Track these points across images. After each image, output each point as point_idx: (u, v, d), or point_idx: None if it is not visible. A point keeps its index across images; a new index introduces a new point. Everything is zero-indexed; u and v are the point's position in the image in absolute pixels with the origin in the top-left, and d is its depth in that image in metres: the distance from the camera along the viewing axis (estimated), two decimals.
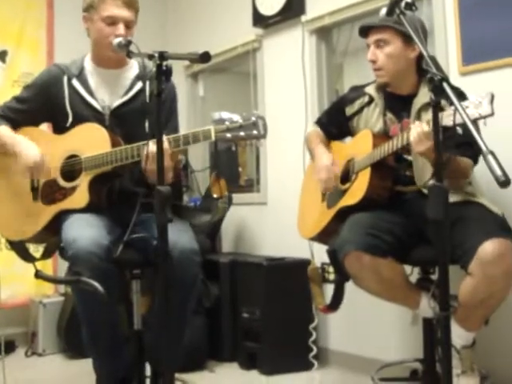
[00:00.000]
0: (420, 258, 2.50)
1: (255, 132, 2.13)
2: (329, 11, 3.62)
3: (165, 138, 2.21)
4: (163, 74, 1.99)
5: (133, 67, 2.68)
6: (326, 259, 2.60)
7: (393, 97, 2.65)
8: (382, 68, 2.59)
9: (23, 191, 2.61)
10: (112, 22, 2.50)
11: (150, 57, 2.01)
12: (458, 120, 1.79)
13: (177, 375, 2.22)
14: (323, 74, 3.81)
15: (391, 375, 2.89)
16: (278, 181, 4.01)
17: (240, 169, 4.70)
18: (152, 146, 2.14)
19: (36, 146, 2.54)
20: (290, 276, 3.53)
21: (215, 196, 3.99)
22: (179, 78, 4.59)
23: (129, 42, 2.35)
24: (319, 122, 3.01)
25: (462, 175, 2.43)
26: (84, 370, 3.24)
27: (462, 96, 2.37)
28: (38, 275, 2.49)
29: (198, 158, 4.75)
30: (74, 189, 2.49)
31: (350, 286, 2.58)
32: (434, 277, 2.57)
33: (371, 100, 2.72)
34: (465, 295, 2.27)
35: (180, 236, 2.36)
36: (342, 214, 2.61)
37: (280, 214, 3.89)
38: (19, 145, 2.56)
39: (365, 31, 2.62)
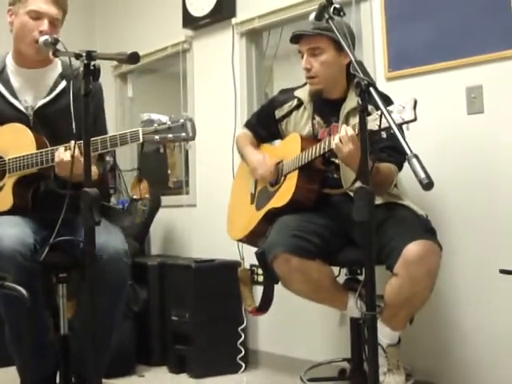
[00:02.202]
0: (347, 260, 2.54)
1: (183, 134, 2.13)
2: (259, 14, 3.64)
3: (73, 143, 2.17)
4: (91, 74, 1.95)
5: (56, 66, 2.62)
6: (256, 261, 2.61)
7: (322, 101, 2.68)
8: (316, 76, 2.60)
9: None
10: (37, 16, 2.45)
11: (78, 56, 1.97)
12: (384, 124, 1.82)
13: (104, 381, 2.19)
14: (253, 76, 3.82)
15: (320, 375, 2.92)
16: (207, 183, 4.00)
17: (169, 171, 4.67)
18: (61, 153, 2.12)
19: None
20: (219, 278, 3.51)
21: (135, 197, 3.95)
22: (107, 79, 4.53)
23: (56, 41, 2.30)
24: (248, 125, 3.02)
25: (386, 182, 2.48)
26: (9, 377, 3.15)
27: (387, 101, 2.43)
28: None
29: (127, 159, 4.70)
30: None
31: (279, 288, 2.60)
32: (361, 277, 2.62)
33: (300, 103, 2.74)
34: (390, 295, 2.33)
35: (110, 237, 2.33)
36: (271, 216, 2.63)
37: (209, 216, 3.88)
38: None
39: (297, 38, 2.63)
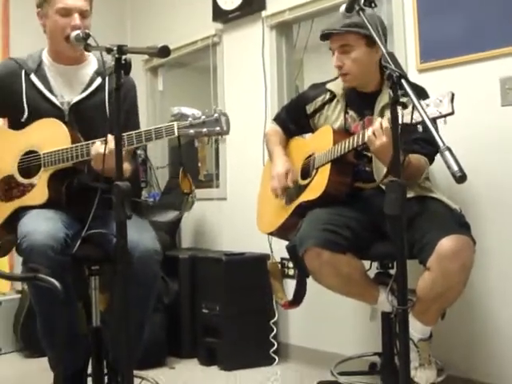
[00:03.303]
0: (378, 254, 2.53)
1: (218, 128, 2.14)
2: (289, 6, 3.63)
3: (111, 137, 2.18)
4: (122, 68, 1.96)
5: (91, 63, 2.65)
6: (286, 254, 2.61)
7: (356, 94, 2.66)
8: (348, 73, 2.58)
9: None
10: (66, 13, 2.47)
11: (109, 50, 1.99)
12: (418, 118, 1.80)
13: (136, 372, 2.21)
14: (283, 69, 3.81)
15: (350, 369, 2.92)
16: (237, 176, 4.00)
17: (199, 164, 4.68)
18: (99, 146, 2.14)
19: None
20: (250, 271, 3.53)
21: (185, 191, 3.96)
22: (138, 73, 4.55)
23: (87, 35, 2.32)
24: (278, 119, 3.01)
25: (417, 174, 2.46)
26: (41, 369, 3.19)
27: (423, 93, 2.41)
28: None
29: (157, 153, 4.72)
30: (32, 185, 2.45)
31: (310, 282, 2.59)
32: (393, 271, 2.60)
33: (333, 97, 2.73)
34: (423, 289, 2.31)
35: (142, 235, 2.35)
36: (301, 210, 2.62)
37: (239, 209, 3.89)
38: None
39: (326, 36, 2.60)
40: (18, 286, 4.16)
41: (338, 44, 2.57)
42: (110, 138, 2.17)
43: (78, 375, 2.48)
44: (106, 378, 2.54)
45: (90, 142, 2.35)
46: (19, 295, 4.06)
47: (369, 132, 2.28)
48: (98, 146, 2.29)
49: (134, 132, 2.28)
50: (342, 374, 2.81)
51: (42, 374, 3.04)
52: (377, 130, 2.25)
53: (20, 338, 3.94)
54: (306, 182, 2.71)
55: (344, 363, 2.97)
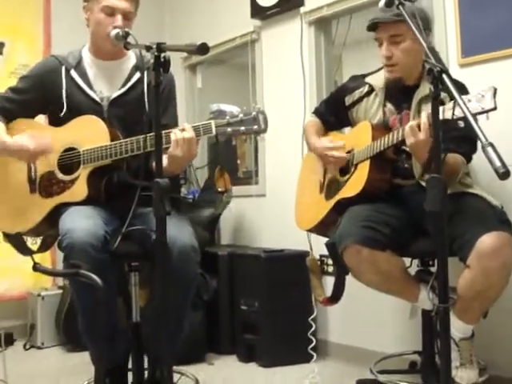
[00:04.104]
0: (419, 251, 2.50)
1: (256, 127, 2.14)
2: (327, 2, 3.61)
3: (189, 126, 2.24)
4: (161, 66, 1.98)
5: (130, 58, 2.67)
6: (325, 251, 2.60)
7: (394, 88, 2.63)
8: (397, 64, 2.54)
9: (20, 184, 2.60)
10: (111, 12, 2.50)
11: (148, 48, 2.00)
12: (459, 113, 1.78)
13: (175, 367, 2.23)
14: (322, 65, 3.79)
15: (390, 367, 2.89)
16: (276, 172, 4.00)
17: (238, 161, 4.69)
18: (180, 133, 2.17)
19: (23, 137, 2.51)
20: (289, 268, 3.52)
21: (220, 190, 3.98)
22: (177, 70, 4.57)
23: (127, 34, 2.35)
24: (317, 112, 3.00)
25: (452, 174, 2.41)
26: (83, 362, 3.25)
27: (463, 89, 2.37)
28: (37, 268, 2.47)
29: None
30: (72, 182, 2.49)
31: (349, 279, 2.58)
32: (433, 269, 2.57)
33: (371, 90, 2.70)
34: (463, 287, 2.27)
35: (180, 232, 2.36)
36: (340, 206, 2.61)
37: (279, 206, 3.89)
38: (10, 148, 2.52)
39: (375, 25, 2.56)
40: (60, 281, 4.23)
41: (387, 34, 2.52)
42: (188, 126, 2.20)
43: (118, 370, 2.51)
44: (145, 373, 2.56)
45: (128, 139, 2.37)
46: (61, 290, 4.13)
47: (406, 128, 2.25)
48: (177, 133, 2.28)
49: (169, 131, 2.29)
50: (381, 372, 2.79)
51: (83, 367, 3.09)
52: (411, 127, 2.22)
53: (62, 333, 4.00)
54: (344, 178, 2.69)
55: (383, 361, 2.95)
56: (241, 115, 2.14)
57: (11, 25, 4.34)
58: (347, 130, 2.99)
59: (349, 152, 2.70)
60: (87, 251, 2.22)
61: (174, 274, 2.21)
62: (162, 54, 1.97)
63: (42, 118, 2.86)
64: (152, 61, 1.99)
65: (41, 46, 4.45)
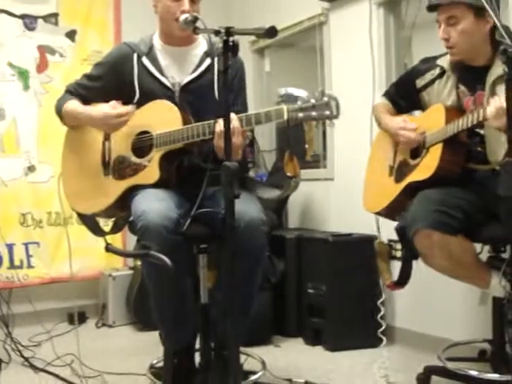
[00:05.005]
0: (491, 236, 2.44)
1: (327, 112, 2.11)
2: None
3: (236, 116, 2.23)
4: (230, 50, 1.98)
5: (201, 44, 2.70)
6: (393, 236, 2.57)
7: (466, 69, 2.57)
8: (455, 46, 2.49)
9: (94, 166, 2.67)
10: None
11: (217, 32, 2.00)
12: None
13: (242, 349, 2.25)
14: (391, 47, 3.74)
15: (458, 355, 2.85)
16: (344, 156, 3.98)
17: (306, 145, 4.68)
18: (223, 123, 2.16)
19: (105, 106, 2.58)
20: (356, 252, 3.51)
21: (289, 175, 3.97)
22: (245, 54, 4.57)
23: (195, 19, 2.35)
24: (387, 94, 2.96)
25: None
26: (152, 342, 3.34)
27: None
28: (109, 249, 2.54)
29: (265, 134, 4.76)
30: (144, 165, 2.53)
31: (418, 263, 2.54)
32: (505, 255, 2.51)
33: (443, 72, 2.65)
34: None
35: (247, 206, 2.37)
36: (411, 190, 2.57)
37: (347, 190, 3.87)
38: (86, 111, 2.63)
39: (433, 7, 2.52)
40: (131, 262, 4.33)
41: (444, 16, 2.48)
42: (234, 116, 2.21)
43: (186, 350, 2.56)
44: (212, 353, 2.60)
45: (200, 123, 2.39)
46: (131, 271, 4.23)
47: (490, 110, 2.19)
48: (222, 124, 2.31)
49: (243, 115, 2.30)
50: (449, 359, 2.75)
51: (152, 347, 3.18)
52: (498, 109, 2.15)
53: (132, 312, 4.11)
54: (416, 161, 2.65)
55: (452, 348, 2.91)
56: (313, 100, 2.12)
57: (82, 13, 4.46)
58: (417, 113, 2.93)
59: (420, 135, 2.65)
60: (161, 233, 2.26)
61: (243, 246, 2.22)
62: (231, 38, 1.98)
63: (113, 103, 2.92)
64: (220, 45, 2.00)
65: (111, 33, 4.55)
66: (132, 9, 4.51)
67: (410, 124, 2.69)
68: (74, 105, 2.67)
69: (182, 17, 2.40)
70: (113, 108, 2.54)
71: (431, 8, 2.53)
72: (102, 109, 2.57)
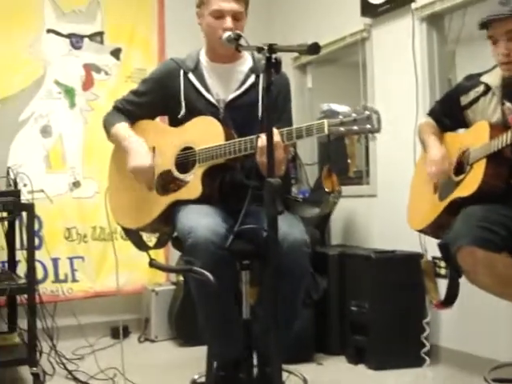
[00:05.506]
0: None
1: (369, 126, 2.11)
2: None
3: (277, 131, 2.23)
4: (272, 67, 1.99)
5: (247, 60, 2.71)
6: (437, 253, 2.53)
7: (511, 85, 2.53)
8: None
9: None
10: (220, 15, 2.54)
11: (259, 49, 2.02)
12: None
13: (284, 366, 2.24)
14: (435, 62, 3.70)
15: (506, 376, 2.79)
16: (387, 173, 3.95)
17: (349, 160, 4.66)
18: (265, 139, 2.16)
19: (147, 153, 2.63)
20: (400, 269, 3.47)
21: (327, 190, 3.97)
22: (287, 70, 4.53)
23: (238, 36, 2.37)
24: (432, 113, 2.95)
25: None
26: (194, 357, 3.35)
27: None
28: (152, 264, 2.56)
29: (307, 149, 4.76)
30: (187, 180, 2.56)
31: (463, 282, 2.50)
32: None
33: (487, 89, 2.61)
34: None
35: (291, 228, 2.37)
36: (455, 207, 2.54)
37: (390, 207, 3.83)
38: (131, 144, 2.65)
39: (486, 24, 2.48)
40: (173, 277, 4.36)
41: (504, 29, 2.43)
42: (275, 131, 2.20)
43: (232, 365, 2.55)
44: (255, 370, 2.59)
45: (242, 139, 2.40)
46: (174, 286, 4.26)
47: None
48: (264, 140, 2.32)
49: (285, 129, 2.30)
50: (496, 380, 2.70)
51: (194, 361, 3.18)
52: None
53: (174, 327, 4.13)
54: (459, 178, 2.62)
55: (498, 370, 2.84)
56: (354, 114, 2.12)
57: (127, 31, 4.55)
58: (462, 131, 2.90)
59: (464, 152, 2.63)
60: (209, 248, 2.26)
61: (285, 268, 2.21)
62: (274, 55, 1.99)
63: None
64: (263, 62, 2.00)
65: (155, 51, 4.63)
66: (176, 27, 4.57)
67: (444, 162, 2.68)
68: (124, 132, 2.71)
69: (225, 35, 2.43)
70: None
71: (484, 25, 2.48)
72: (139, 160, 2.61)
